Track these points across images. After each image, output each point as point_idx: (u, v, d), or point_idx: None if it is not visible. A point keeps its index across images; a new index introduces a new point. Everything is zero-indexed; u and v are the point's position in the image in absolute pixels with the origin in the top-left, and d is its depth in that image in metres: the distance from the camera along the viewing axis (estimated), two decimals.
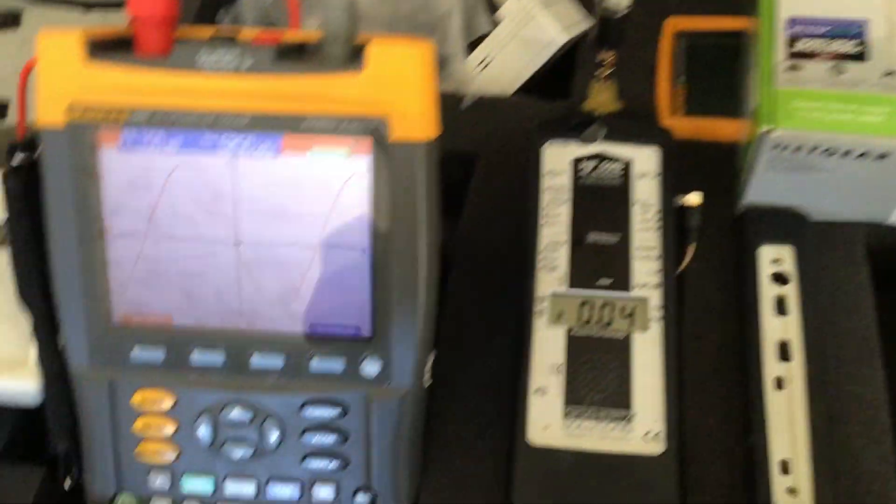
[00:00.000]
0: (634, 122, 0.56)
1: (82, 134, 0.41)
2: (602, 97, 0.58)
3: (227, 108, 0.41)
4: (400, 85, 0.40)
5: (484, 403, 0.48)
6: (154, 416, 0.44)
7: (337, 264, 0.43)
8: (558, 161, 0.53)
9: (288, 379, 0.43)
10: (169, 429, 0.44)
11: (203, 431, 0.44)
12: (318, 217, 0.42)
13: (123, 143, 0.42)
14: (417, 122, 0.40)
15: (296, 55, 0.40)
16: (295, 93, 0.40)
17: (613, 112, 0.58)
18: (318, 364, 0.43)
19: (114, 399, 0.44)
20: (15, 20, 0.75)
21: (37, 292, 0.44)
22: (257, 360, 0.43)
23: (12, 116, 0.69)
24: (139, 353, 0.44)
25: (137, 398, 0.44)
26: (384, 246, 0.42)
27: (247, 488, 0.45)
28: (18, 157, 0.42)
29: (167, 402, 0.44)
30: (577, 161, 0.53)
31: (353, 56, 0.40)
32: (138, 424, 0.44)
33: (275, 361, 0.43)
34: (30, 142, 0.43)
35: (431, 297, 0.42)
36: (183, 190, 0.42)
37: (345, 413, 0.43)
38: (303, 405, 0.44)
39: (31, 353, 0.46)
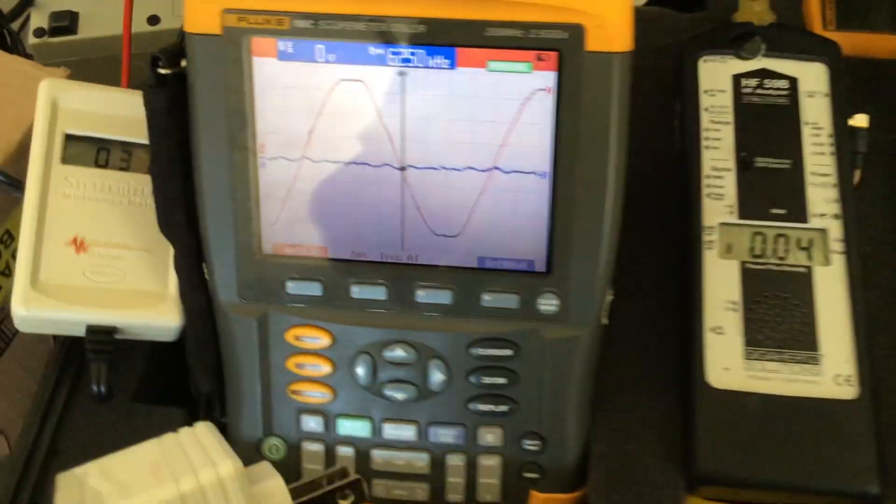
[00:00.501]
0: (798, 35, 0.51)
1: (237, 42, 0.37)
2: (756, 8, 0.53)
3: (401, 14, 0.36)
4: None
5: (651, 342, 0.45)
6: (308, 354, 0.41)
7: (513, 191, 0.39)
8: (717, 78, 0.49)
9: (456, 316, 0.40)
10: (324, 368, 0.41)
11: (361, 372, 0.41)
12: (495, 138, 0.38)
13: (282, 53, 0.37)
14: (616, 32, 0.36)
15: None
16: None
17: (771, 24, 0.53)
18: (489, 300, 0.40)
19: (264, 336, 0.41)
20: None
21: (180, 221, 0.41)
22: (423, 296, 0.40)
23: (85, 30, 0.65)
24: (294, 287, 0.40)
25: (291, 335, 0.41)
26: (568, 170, 0.38)
27: (406, 432, 0.42)
28: (163, 70, 0.38)
29: (323, 340, 0.41)
30: (738, 78, 0.49)
31: None
32: (290, 364, 0.41)
33: (442, 297, 0.40)
34: (174, 52, 0.38)
35: (616, 227, 0.39)
36: (346, 107, 0.38)
37: (516, 353, 0.40)
38: (471, 344, 0.40)
39: (172, 286, 0.42)
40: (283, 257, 0.40)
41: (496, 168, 0.38)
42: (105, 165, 0.44)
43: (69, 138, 0.43)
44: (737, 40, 0.49)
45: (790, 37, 0.50)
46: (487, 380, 0.41)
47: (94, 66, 0.64)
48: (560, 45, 0.36)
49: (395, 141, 0.38)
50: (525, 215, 0.39)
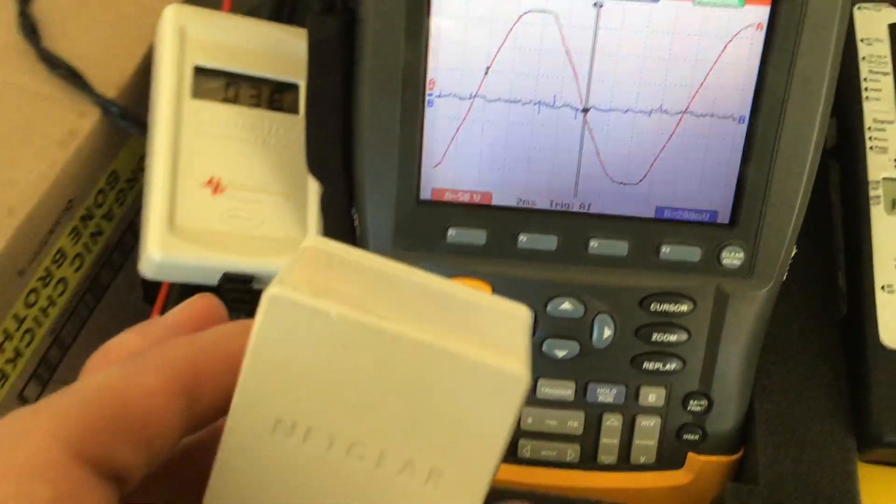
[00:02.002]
0: None
1: None
2: None
3: None
4: None
5: (815, 300, 0.43)
6: None
7: (704, 136, 0.36)
8: (873, 27, 0.46)
9: (630, 269, 0.37)
10: None
11: None
12: (693, 79, 0.35)
13: None
14: None
15: None
16: None
17: None
18: (668, 252, 0.37)
19: None
20: None
21: (335, 161, 0.37)
22: (596, 247, 0.37)
23: None
24: (455, 236, 0.37)
25: None
26: (771, 115, 0.35)
27: (563, 391, 0.39)
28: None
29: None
30: (894, 27, 0.46)
31: None
32: None
33: (617, 248, 0.37)
34: None
35: (813, 177, 0.36)
36: (530, 41, 0.35)
37: (692, 309, 0.38)
38: (644, 298, 0.38)
39: (313, 232, 0.39)
40: (444, 203, 0.37)
41: (688, 111, 0.36)
42: (234, 101, 0.40)
43: (198, 71, 0.39)
44: None
45: None
46: (658, 337, 0.38)
47: None
48: None
49: (581, 80, 0.35)
50: (713, 163, 0.36)
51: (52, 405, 0.18)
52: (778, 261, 0.37)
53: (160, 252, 0.37)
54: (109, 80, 0.41)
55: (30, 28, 0.41)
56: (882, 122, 0.44)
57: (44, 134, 0.39)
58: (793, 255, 0.38)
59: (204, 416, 0.20)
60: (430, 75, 0.35)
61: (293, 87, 0.41)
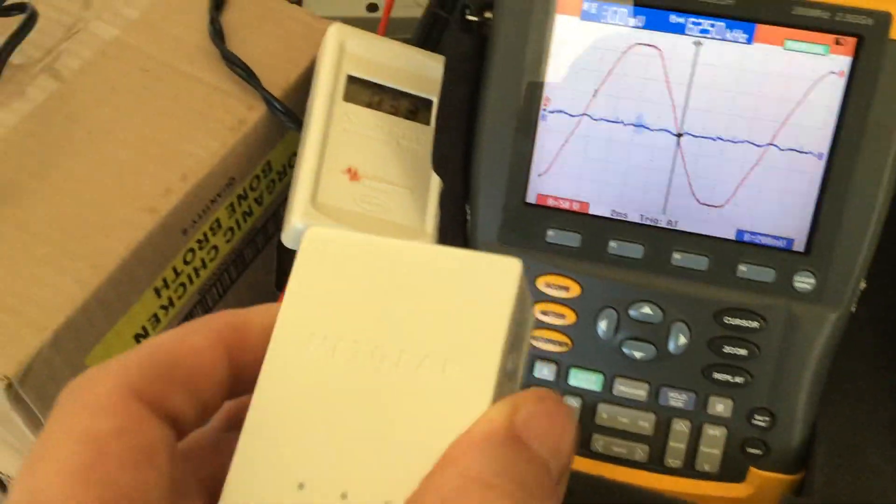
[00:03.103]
0: None
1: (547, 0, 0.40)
2: None
3: None
4: None
5: (887, 334, 0.45)
6: (554, 303, 0.43)
7: (785, 169, 0.40)
8: None
9: (708, 283, 0.41)
10: (569, 318, 0.43)
11: (604, 326, 0.42)
12: (778, 115, 0.40)
13: (585, 13, 0.40)
14: None
15: None
16: None
17: None
18: (745, 271, 0.41)
19: None
20: None
21: (456, 161, 0.43)
22: (679, 259, 0.41)
23: (310, 6, 0.68)
24: (554, 237, 0.42)
25: (542, 282, 0.43)
26: (848, 154, 0.39)
27: (637, 391, 0.43)
28: (471, 17, 0.41)
29: (573, 291, 0.43)
30: None
31: None
32: (535, 310, 0.43)
33: (698, 263, 0.41)
34: (481, 3, 0.41)
35: (884, 216, 0.40)
36: (635, 70, 0.40)
37: (763, 327, 0.41)
38: (719, 312, 0.41)
39: (429, 224, 0.45)
40: (547, 208, 0.43)
41: (773, 144, 0.40)
42: (378, 108, 0.47)
43: (350, 79, 0.46)
44: None
45: None
46: (728, 349, 0.42)
47: None
48: (862, 31, 0.37)
49: (678, 108, 0.40)
50: (792, 194, 0.40)
51: (117, 360, 0.22)
52: (847, 290, 0.40)
53: (302, 221, 0.43)
54: (277, 82, 0.48)
55: (218, 33, 0.49)
56: None
57: (218, 119, 0.47)
58: (863, 287, 0.41)
59: (245, 378, 0.23)
60: (545, 92, 0.41)
61: (427, 103, 0.48)
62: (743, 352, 0.42)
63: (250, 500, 0.22)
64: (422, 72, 0.48)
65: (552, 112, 0.41)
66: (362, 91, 0.47)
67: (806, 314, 0.41)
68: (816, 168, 0.40)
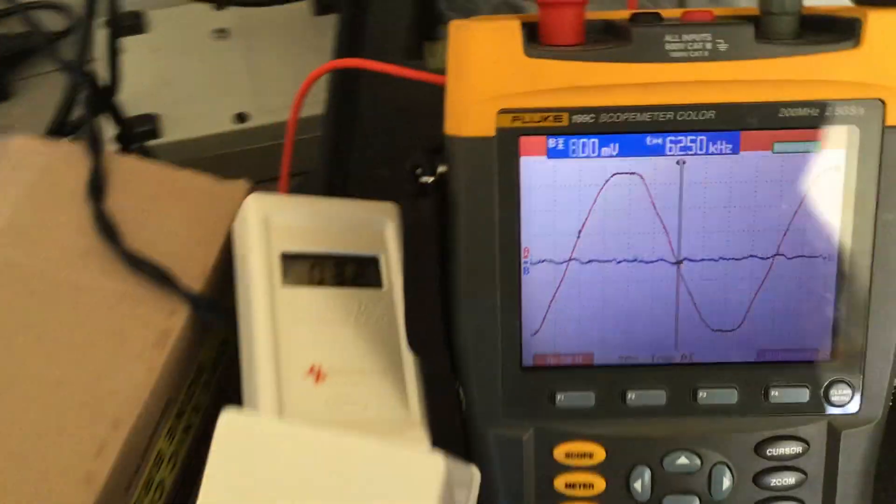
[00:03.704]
0: None
1: (508, 143, 0.35)
2: None
3: (691, 101, 0.34)
4: None
5: None
6: (580, 472, 0.38)
7: (796, 277, 0.36)
8: None
9: (741, 415, 0.37)
10: (598, 486, 0.38)
11: (640, 486, 0.38)
12: (780, 223, 0.36)
13: (552, 151, 0.35)
14: None
15: (770, 35, 0.34)
16: (777, 78, 0.34)
17: None
18: (777, 395, 0.37)
19: (529, 456, 0.38)
20: (138, 25, 0.67)
21: (436, 337, 0.37)
22: (705, 397, 0.37)
23: (170, 132, 0.62)
24: (564, 400, 0.37)
25: (560, 452, 0.37)
26: (857, 251, 0.36)
27: None
28: (425, 178, 0.35)
29: (597, 455, 0.37)
30: None
31: (807, 31, 0.34)
32: (559, 484, 0.38)
33: (726, 396, 0.37)
34: (429, 157, 0.36)
35: None
36: (618, 202, 0.36)
37: (806, 449, 0.37)
38: (759, 444, 0.37)
39: (415, 410, 0.39)
40: (548, 368, 0.37)
41: (779, 254, 0.36)
42: (321, 283, 0.40)
43: (285, 258, 0.40)
44: None
45: None
46: (776, 482, 0.38)
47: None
48: (856, 121, 0.34)
49: (672, 233, 0.36)
50: (808, 302, 0.37)
51: None
52: (884, 391, 0.37)
53: None
54: (193, 273, 0.41)
55: (107, 229, 0.42)
56: None
57: (137, 336, 0.39)
58: None
59: None
60: (524, 244, 0.36)
61: (373, 261, 0.42)
62: (791, 480, 0.38)
63: None
64: (358, 227, 0.42)
65: (535, 264, 0.36)
66: (301, 268, 0.40)
67: (847, 426, 0.37)
68: (828, 270, 0.36)
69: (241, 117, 0.65)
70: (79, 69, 0.49)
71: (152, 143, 0.63)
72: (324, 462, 0.24)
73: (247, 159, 0.65)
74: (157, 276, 0.40)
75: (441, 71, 0.54)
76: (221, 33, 0.67)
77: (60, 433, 0.36)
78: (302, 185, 0.51)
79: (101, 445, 0.36)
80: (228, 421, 0.25)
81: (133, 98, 0.61)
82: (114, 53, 0.50)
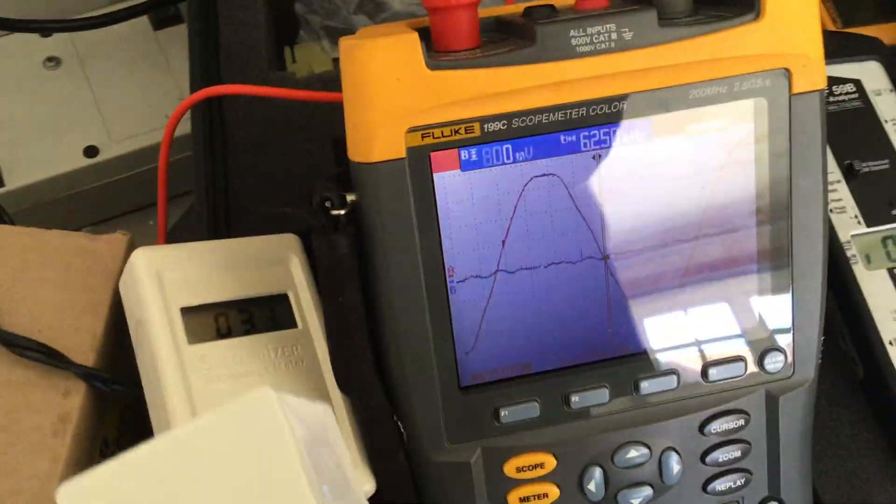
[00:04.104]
0: (843, 38, 0.52)
1: (420, 161, 0.33)
2: None
3: (601, 95, 0.33)
4: (802, 29, 0.34)
5: (829, 371, 0.44)
6: (533, 484, 0.37)
7: (721, 254, 0.36)
8: None
9: (684, 397, 0.37)
10: (552, 495, 0.37)
11: (594, 486, 0.37)
12: (699, 203, 0.36)
13: (465, 163, 0.33)
14: (816, 70, 0.34)
15: (667, 14, 0.33)
16: (685, 60, 0.33)
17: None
18: (716, 372, 0.37)
19: (479, 476, 0.36)
20: None
21: (367, 375, 0.35)
22: (647, 387, 0.37)
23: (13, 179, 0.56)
24: (508, 415, 0.36)
25: (510, 468, 0.36)
26: (775, 220, 0.36)
27: None
28: (336, 211, 0.33)
29: (548, 464, 0.36)
30: None
31: (701, 5, 0.34)
32: (513, 499, 0.37)
33: (668, 382, 0.37)
34: (336, 189, 0.33)
35: (826, 270, 0.37)
36: (539, 206, 0.34)
37: (748, 421, 0.38)
38: (703, 423, 0.37)
39: (354, 448, 0.36)
40: (487, 385, 0.36)
41: (703, 234, 0.36)
42: (228, 334, 0.37)
43: (186, 312, 0.36)
44: None
45: (836, 40, 0.51)
46: (723, 457, 0.38)
47: (24, 218, 0.56)
48: (763, 93, 0.34)
49: (595, 230, 0.35)
50: (734, 276, 0.37)
51: None
52: (814, 351, 0.38)
53: None
54: (82, 345, 0.37)
55: None
56: (832, 182, 0.46)
57: (33, 427, 0.35)
58: (822, 340, 0.39)
59: None
60: (447, 263, 0.34)
61: (282, 299, 0.39)
62: (737, 453, 0.38)
63: None
64: (264, 265, 0.39)
65: (461, 282, 0.35)
66: (205, 321, 0.37)
67: (784, 391, 0.38)
68: (749, 243, 0.36)
69: (91, 151, 0.60)
70: None
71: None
72: (174, 471, 0.23)
73: (102, 195, 0.60)
74: (44, 355, 0.36)
75: (310, 78, 0.51)
76: (53, 62, 0.61)
77: None
78: (182, 223, 0.47)
79: None
80: (66, 493, 0.23)
81: None
82: None
